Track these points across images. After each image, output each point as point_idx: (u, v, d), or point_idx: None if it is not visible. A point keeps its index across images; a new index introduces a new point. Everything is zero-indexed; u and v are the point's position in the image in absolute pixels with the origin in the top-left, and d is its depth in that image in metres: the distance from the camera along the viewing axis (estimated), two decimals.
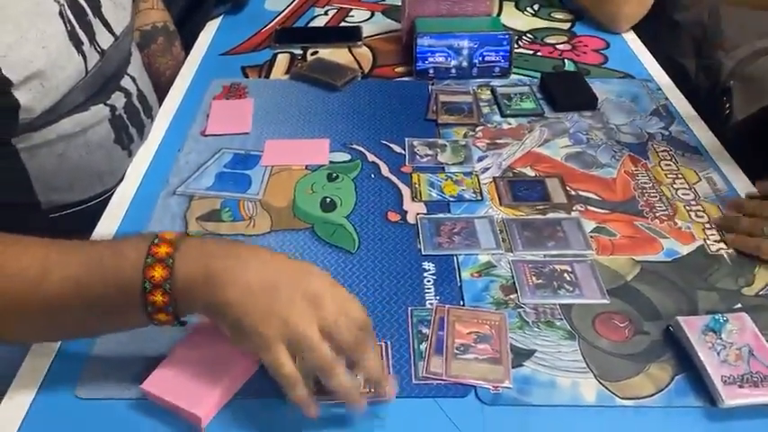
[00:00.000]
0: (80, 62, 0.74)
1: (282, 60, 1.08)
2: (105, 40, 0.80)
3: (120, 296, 0.49)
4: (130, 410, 0.55)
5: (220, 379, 0.54)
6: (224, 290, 0.49)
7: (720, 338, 0.58)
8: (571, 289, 0.66)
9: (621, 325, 0.62)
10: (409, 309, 0.64)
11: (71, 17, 0.74)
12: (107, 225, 0.74)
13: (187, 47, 1.13)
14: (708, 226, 0.73)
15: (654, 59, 1.08)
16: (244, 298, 0.49)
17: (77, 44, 0.74)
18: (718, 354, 0.57)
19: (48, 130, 0.71)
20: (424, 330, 0.61)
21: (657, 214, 0.75)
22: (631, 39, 1.14)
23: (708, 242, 0.71)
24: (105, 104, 0.80)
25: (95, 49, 0.77)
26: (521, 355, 0.59)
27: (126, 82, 0.86)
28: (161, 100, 0.97)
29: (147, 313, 0.50)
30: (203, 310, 0.51)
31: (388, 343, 0.60)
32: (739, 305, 0.64)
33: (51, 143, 0.72)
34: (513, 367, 0.58)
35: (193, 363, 0.56)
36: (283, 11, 1.25)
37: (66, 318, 0.52)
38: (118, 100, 0.83)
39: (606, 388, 0.57)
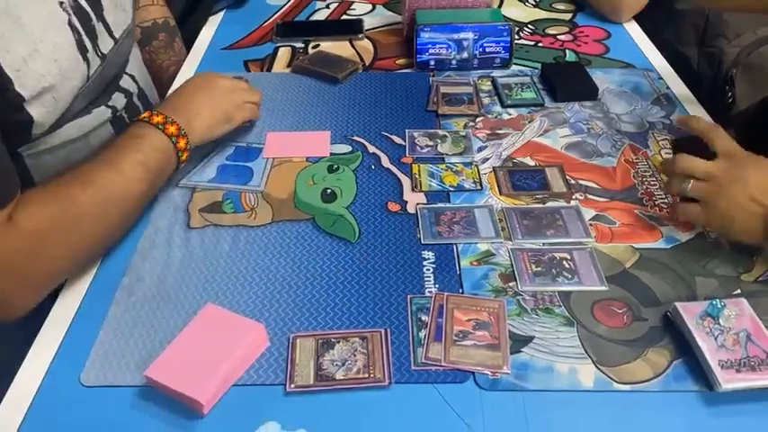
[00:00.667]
0: (85, 69, 0.74)
1: (284, 54, 1.09)
2: (106, 44, 0.80)
3: (162, 153, 0.73)
4: (134, 397, 0.56)
5: (221, 366, 0.55)
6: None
7: (718, 324, 0.58)
8: (570, 276, 0.66)
9: (620, 311, 0.63)
10: (408, 297, 0.64)
11: (78, 26, 0.74)
12: None
13: (190, 42, 1.14)
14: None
15: (655, 49, 1.08)
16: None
17: (84, 52, 0.74)
18: (716, 339, 0.57)
19: (51, 136, 0.72)
20: (424, 318, 0.62)
21: (657, 202, 0.75)
22: (633, 29, 1.14)
23: (707, 229, 0.71)
24: (107, 106, 0.81)
25: (97, 54, 0.77)
26: (519, 342, 0.60)
27: (126, 82, 0.87)
28: (163, 96, 0.98)
29: (177, 150, 0.74)
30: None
31: (388, 330, 0.61)
32: (738, 291, 0.64)
33: (55, 149, 0.73)
34: (511, 353, 0.59)
35: (195, 350, 0.57)
36: (285, 5, 1.25)
37: (150, 190, 0.73)
38: (118, 100, 0.83)
39: (604, 373, 0.57)
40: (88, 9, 0.77)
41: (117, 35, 0.83)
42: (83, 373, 0.58)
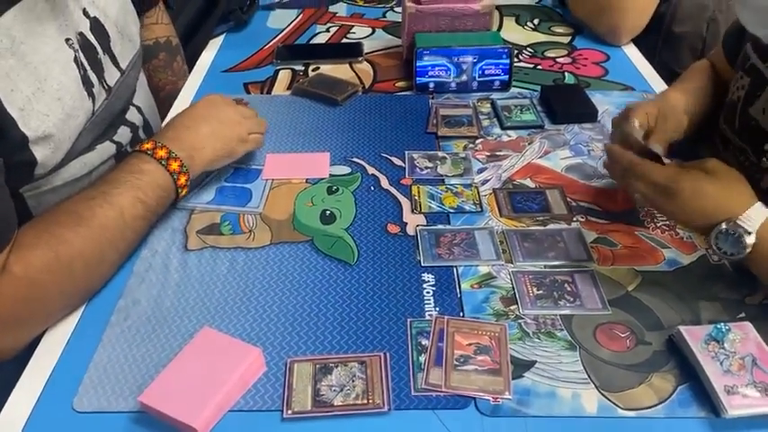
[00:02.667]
0: (90, 105, 0.74)
1: (284, 76, 1.09)
2: (112, 76, 0.79)
3: (163, 191, 0.71)
4: (128, 423, 0.55)
5: (218, 391, 0.54)
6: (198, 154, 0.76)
7: (723, 348, 0.57)
8: (572, 299, 0.65)
9: (623, 335, 0.62)
10: (408, 320, 0.63)
11: (84, 61, 0.73)
12: None
13: (190, 64, 1.15)
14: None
15: (654, 71, 1.08)
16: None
17: (89, 87, 0.73)
18: (721, 363, 0.56)
19: (54, 176, 0.70)
20: (424, 342, 0.61)
21: (659, 224, 0.75)
22: (632, 51, 1.14)
23: (710, 251, 0.71)
24: (111, 141, 0.80)
25: (103, 87, 0.77)
26: (521, 366, 0.59)
27: (131, 114, 0.86)
28: (160, 115, 0.98)
29: (177, 187, 0.73)
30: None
31: (387, 354, 0.60)
32: (743, 315, 0.63)
33: (58, 189, 0.72)
34: (513, 378, 0.58)
35: (191, 375, 0.56)
36: (285, 28, 1.26)
37: (147, 226, 0.72)
38: (124, 135, 0.83)
39: (607, 398, 0.56)
40: (95, 42, 0.76)
41: (123, 66, 0.83)
42: (76, 398, 0.57)
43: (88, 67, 0.74)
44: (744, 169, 0.74)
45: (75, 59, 0.72)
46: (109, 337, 0.62)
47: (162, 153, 0.71)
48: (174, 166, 0.71)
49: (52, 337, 0.63)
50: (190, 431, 0.52)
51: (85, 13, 0.76)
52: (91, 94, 0.74)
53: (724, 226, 0.61)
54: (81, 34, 0.74)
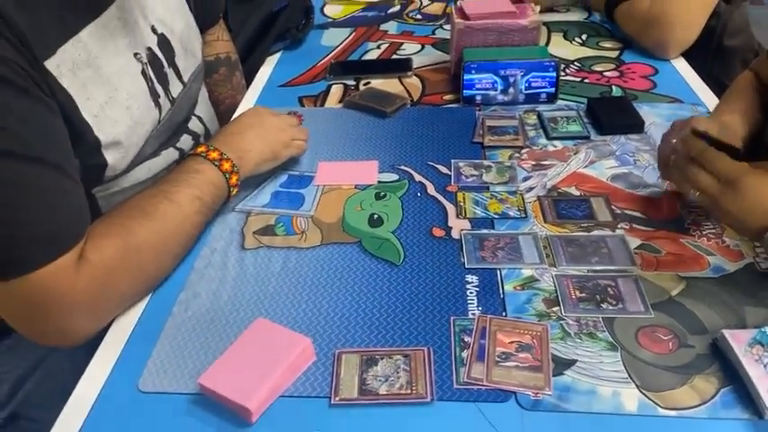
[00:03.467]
0: (156, 114, 0.80)
1: (336, 91, 1.14)
2: (176, 88, 0.86)
3: (216, 189, 0.77)
4: (188, 404, 0.59)
5: (270, 376, 0.58)
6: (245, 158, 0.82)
7: (767, 351, 0.57)
8: (614, 303, 0.66)
9: (665, 338, 0.62)
10: (452, 318, 0.65)
11: (151, 74, 0.80)
12: None
13: (249, 80, 1.21)
14: (757, 244, 0.72)
15: (704, 84, 1.08)
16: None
17: (156, 98, 0.80)
18: (765, 366, 0.56)
19: (123, 179, 0.77)
20: (466, 338, 0.63)
21: (704, 232, 0.75)
22: (680, 65, 1.14)
23: (757, 260, 0.70)
24: (175, 148, 0.86)
25: (168, 98, 0.83)
26: (562, 365, 0.60)
27: (194, 124, 0.92)
28: (220, 126, 1.04)
29: (229, 186, 0.79)
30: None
31: (431, 349, 0.62)
32: None
33: (126, 190, 0.78)
34: (553, 375, 0.59)
35: (246, 361, 0.59)
36: (338, 46, 1.32)
37: (204, 222, 0.77)
38: (186, 142, 0.89)
39: (648, 398, 0.57)
40: (161, 56, 0.82)
41: (185, 79, 0.88)
42: (141, 379, 0.61)
43: (155, 80, 0.80)
44: None
45: (143, 72, 0.78)
46: (171, 326, 0.67)
47: (214, 155, 0.78)
48: (227, 166, 0.78)
49: (119, 325, 0.68)
50: (244, 412, 0.56)
51: (153, 29, 0.82)
52: (157, 104, 0.80)
53: None
54: (149, 49, 0.80)
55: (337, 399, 0.58)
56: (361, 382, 0.59)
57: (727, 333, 0.59)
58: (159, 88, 0.81)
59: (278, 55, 1.29)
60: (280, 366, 0.59)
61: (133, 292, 0.69)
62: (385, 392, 0.58)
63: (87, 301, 0.63)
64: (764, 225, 0.63)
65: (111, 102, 0.71)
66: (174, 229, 0.71)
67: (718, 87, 1.08)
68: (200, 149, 0.78)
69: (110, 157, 0.72)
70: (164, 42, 0.84)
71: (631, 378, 0.58)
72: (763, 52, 1.09)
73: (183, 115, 0.89)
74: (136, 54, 0.77)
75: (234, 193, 0.80)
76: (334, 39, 1.34)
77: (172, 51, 0.85)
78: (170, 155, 0.85)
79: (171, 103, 0.84)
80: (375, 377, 0.59)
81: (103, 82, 0.71)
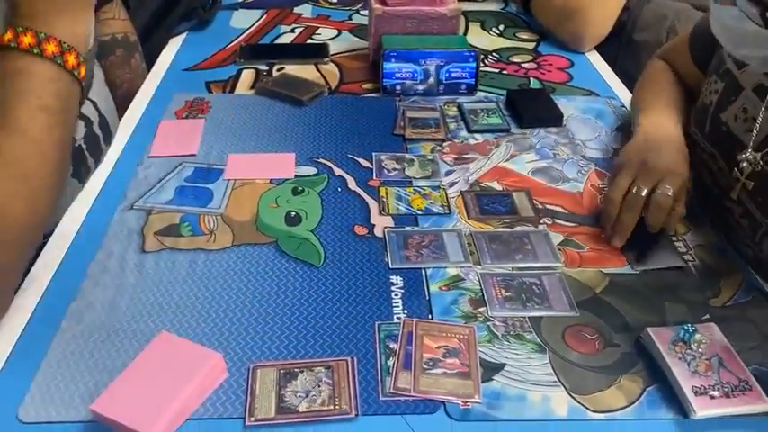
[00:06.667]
0: None
1: (247, 76, 1.07)
2: None
3: (60, 84, 0.61)
4: None
5: (176, 398, 0.52)
6: None
7: (690, 349, 0.57)
8: (540, 302, 0.65)
9: (591, 337, 0.62)
10: (376, 323, 0.62)
11: None
12: (58, 243, 0.71)
13: (149, 64, 1.11)
14: (675, 239, 0.74)
15: (616, 77, 1.10)
16: None
17: None
18: (689, 364, 0.56)
19: None
20: (392, 345, 0.59)
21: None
22: (594, 58, 1.16)
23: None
24: None
25: None
26: (490, 369, 0.58)
27: (87, 109, 0.82)
28: (118, 114, 0.94)
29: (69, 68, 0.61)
30: None
31: (354, 358, 0.58)
32: (707, 316, 0.64)
33: None
34: (482, 382, 0.57)
35: (147, 381, 0.53)
36: (249, 28, 1.24)
37: (65, 132, 0.62)
38: (78, 131, 0.79)
39: (578, 401, 0.55)
40: None
41: None
42: (21, 407, 0.53)
43: None
44: (711, 174, 0.75)
45: None
46: (59, 342, 0.59)
47: (29, 39, 0.58)
48: (51, 48, 0.59)
49: None
50: None
51: None
52: None
53: None
54: None
55: (252, 419, 0.52)
56: (279, 399, 0.54)
57: (651, 331, 0.59)
58: None
59: (182, 36, 1.20)
60: (187, 386, 0.52)
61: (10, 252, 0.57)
62: (306, 409, 0.53)
63: None
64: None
65: None
66: (32, 163, 0.57)
67: (628, 80, 1.10)
68: (6, 39, 0.58)
69: None
70: None
71: (560, 381, 0.57)
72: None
73: None
74: None
75: (83, 75, 0.62)
76: (245, 21, 1.27)
77: None
78: None
79: None
80: (294, 393, 0.54)
81: None
